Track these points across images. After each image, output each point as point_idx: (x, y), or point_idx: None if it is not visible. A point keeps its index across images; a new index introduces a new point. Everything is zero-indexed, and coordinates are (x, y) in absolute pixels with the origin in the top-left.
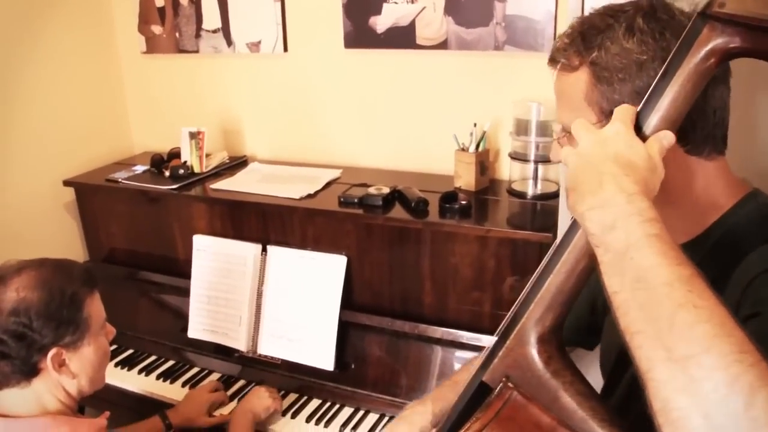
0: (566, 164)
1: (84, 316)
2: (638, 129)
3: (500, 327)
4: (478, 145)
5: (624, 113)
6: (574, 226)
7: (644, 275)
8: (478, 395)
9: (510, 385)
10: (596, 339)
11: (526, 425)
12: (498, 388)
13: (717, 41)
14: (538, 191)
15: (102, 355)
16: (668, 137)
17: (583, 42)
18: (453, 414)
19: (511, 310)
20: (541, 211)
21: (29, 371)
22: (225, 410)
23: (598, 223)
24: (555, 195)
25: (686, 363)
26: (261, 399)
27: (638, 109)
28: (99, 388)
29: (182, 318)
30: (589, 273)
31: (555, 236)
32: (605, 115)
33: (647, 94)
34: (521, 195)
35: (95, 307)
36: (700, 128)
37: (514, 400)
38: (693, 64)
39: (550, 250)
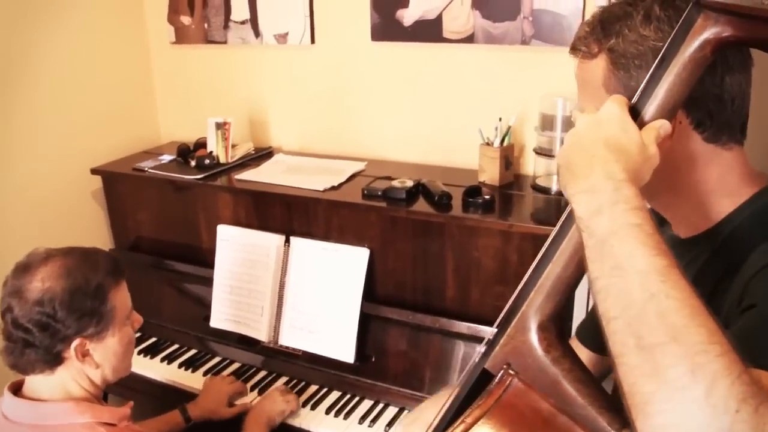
0: (564, 142)
1: (108, 308)
2: (635, 117)
3: (501, 315)
4: (503, 140)
5: (619, 96)
6: (572, 214)
7: (622, 263)
8: (479, 383)
9: (511, 372)
10: None
11: (526, 411)
12: (499, 375)
13: (711, 30)
14: None
15: (126, 344)
16: (665, 126)
17: (602, 30)
18: (455, 401)
19: (512, 298)
20: (565, 206)
21: (53, 360)
22: (245, 400)
23: (585, 207)
24: None
25: (654, 350)
26: (275, 403)
27: (636, 98)
28: (124, 376)
29: (205, 307)
30: None
31: None
32: None
33: (644, 82)
34: (545, 190)
35: (120, 298)
36: (717, 115)
37: (515, 387)
38: (688, 53)
39: (549, 237)
